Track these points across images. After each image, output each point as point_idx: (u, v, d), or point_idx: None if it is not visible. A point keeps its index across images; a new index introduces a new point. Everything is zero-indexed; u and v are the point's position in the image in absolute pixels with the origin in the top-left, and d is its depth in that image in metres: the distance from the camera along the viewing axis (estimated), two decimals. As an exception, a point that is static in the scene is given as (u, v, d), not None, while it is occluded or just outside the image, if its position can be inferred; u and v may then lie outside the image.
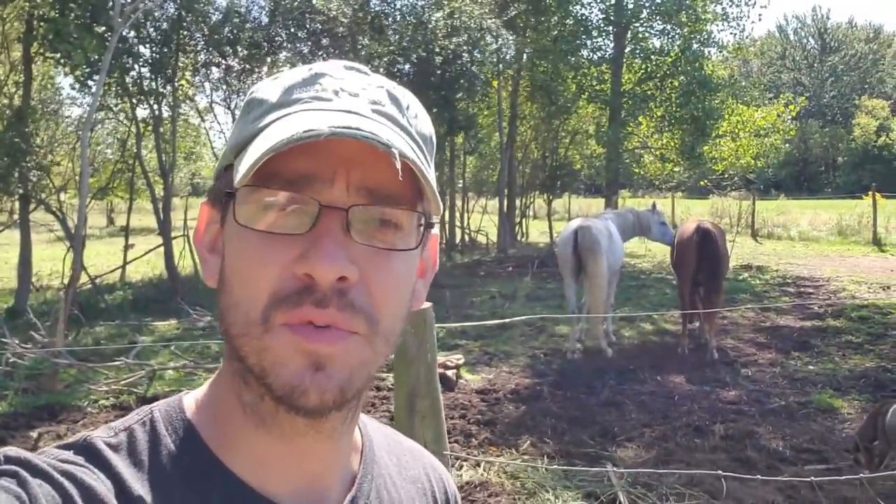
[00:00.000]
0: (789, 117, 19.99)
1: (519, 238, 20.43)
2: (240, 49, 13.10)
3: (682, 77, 16.99)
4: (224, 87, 14.35)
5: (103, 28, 9.96)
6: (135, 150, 12.97)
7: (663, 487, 4.32)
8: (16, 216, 11.86)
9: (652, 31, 17.87)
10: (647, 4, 17.34)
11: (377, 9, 14.38)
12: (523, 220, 21.38)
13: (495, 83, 17.89)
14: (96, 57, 10.06)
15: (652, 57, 17.52)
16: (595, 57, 18.25)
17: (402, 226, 0.65)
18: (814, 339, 8.26)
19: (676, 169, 19.44)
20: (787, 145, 22.47)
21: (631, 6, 17.36)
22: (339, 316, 0.61)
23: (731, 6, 18.03)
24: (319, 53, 13.86)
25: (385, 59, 13.85)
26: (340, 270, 0.60)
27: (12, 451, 0.59)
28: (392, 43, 13.94)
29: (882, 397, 5.83)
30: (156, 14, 11.58)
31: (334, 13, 13.32)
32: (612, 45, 17.89)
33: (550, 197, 19.88)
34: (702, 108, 16.25)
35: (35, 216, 11.48)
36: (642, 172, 20.72)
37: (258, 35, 13.38)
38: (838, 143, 57.89)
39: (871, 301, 10.37)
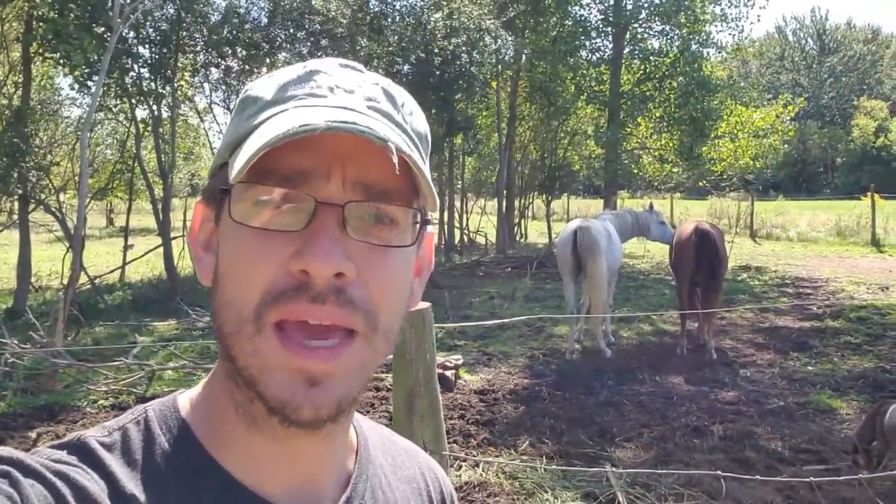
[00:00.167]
0: (788, 118, 20.01)
1: (518, 239, 20.45)
2: (239, 50, 13.10)
3: (681, 78, 17.00)
4: (223, 87, 14.36)
5: (102, 28, 9.96)
6: (134, 151, 12.98)
7: (662, 488, 4.33)
8: (15, 216, 11.85)
9: (651, 32, 17.88)
10: (645, 5, 17.33)
11: (376, 9, 14.39)
12: (522, 221, 21.40)
13: (494, 84, 17.89)
14: (96, 57, 10.06)
15: (651, 58, 17.52)
16: (594, 58, 18.26)
17: (399, 222, 0.64)
18: (812, 340, 8.27)
19: (675, 170, 19.46)
20: (785, 146, 22.46)
21: (630, 7, 17.36)
22: (339, 312, 0.60)
23: (729, 7, 18.07)
24: (319, 54, 13.86)
25: (384, 60, 13.87)
26: (337, 267, 0.59)
27: (4, 450, 0.58)
28: (391, 44, 13.96)
29: (880, 398, 5.83)
30: (155, 14, 11.58)
31: (333, 14, 13.34)
32: (610, 45, 17.90)
33: (549, 198, 19.89)
34: (700, 108, 16.26)
35: (34, 216, 11.48)
36: (641, 173, 20.73)
37: (257, 36, 13.38)
38: (837, 143, 57.98)
39: (869, 302, 10.38)
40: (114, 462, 0.63)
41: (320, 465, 0.70)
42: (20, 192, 10.38)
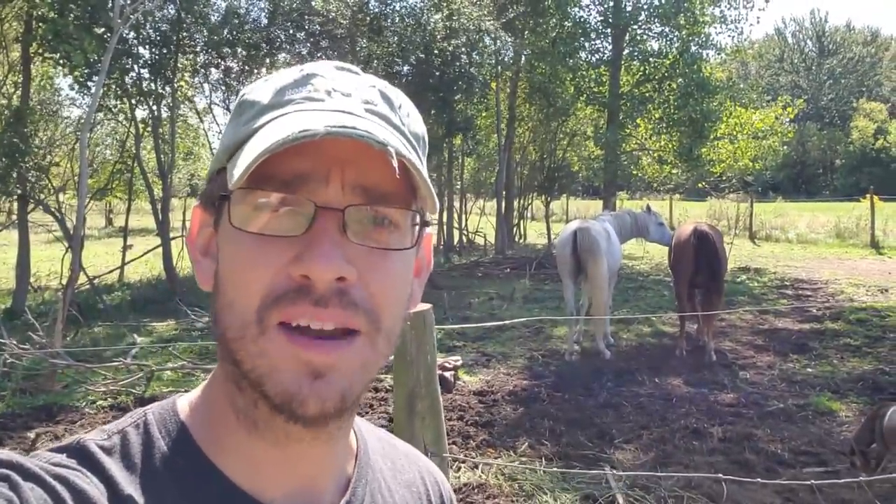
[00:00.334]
0: (787, 120, 20.04)
1: (517, 239, 20.45)
2: (239, 50, 13.10)
3: (681, 79, 17.01)
4: (223, 88, 14.35)
5: (103, 29, 9.95)
6: (134, 151, 12.97)
7: (662, 490, 4.33)
8: (14, 217, 11.84)
9: (650, 34, 17.90)
10: (645, 7, 17.36)
11: (376, 10, 14.39)
12: (521, 222, 21.40)
13: (494, 85, 17.91)
14: (95, 58, 10.06)
15: (650, 59, 17.53)
16: (593, 59, 18.28)
17: (399, 225, 0.65)
18: (812, 342, 8.26)
19: (674, 171, 19.44)
20: (785, 148, 22.47)
21: (629, 9, 17.38)
22: (343, 314, 0.61)
23: (729, 9, 18.10)
24: (318, 55, 13.88)
25: (384, 61, 13.88)
26: (338, 271, 0.60)
27: (4, 454, 0.58)
28: (391, 44, 13.97)
29: (880, 400, 5.84)
30: (155, 15, 11.58)
31: (333, 15, 13.35)
32: (610, 47, 17.91)
33: (548, 198, 19.89)
34: (700, 110, 16.27)
35: (33, 217, 11.47)
36: (640, 174, 20.72)
37: (257, 36, 13.39)
38: (836, 145, 58.02)
39: (869, 304, 10.38)
40: (113, 466, 0.63)
41: (321, 469, 0.71)
42: (19, 192, 10.37)
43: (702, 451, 5.10)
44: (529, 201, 22.58)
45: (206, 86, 14.66)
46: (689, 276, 7.77)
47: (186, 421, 0.68)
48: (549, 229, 18.95)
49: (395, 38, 13.97)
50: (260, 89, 0.68)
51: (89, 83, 10.96)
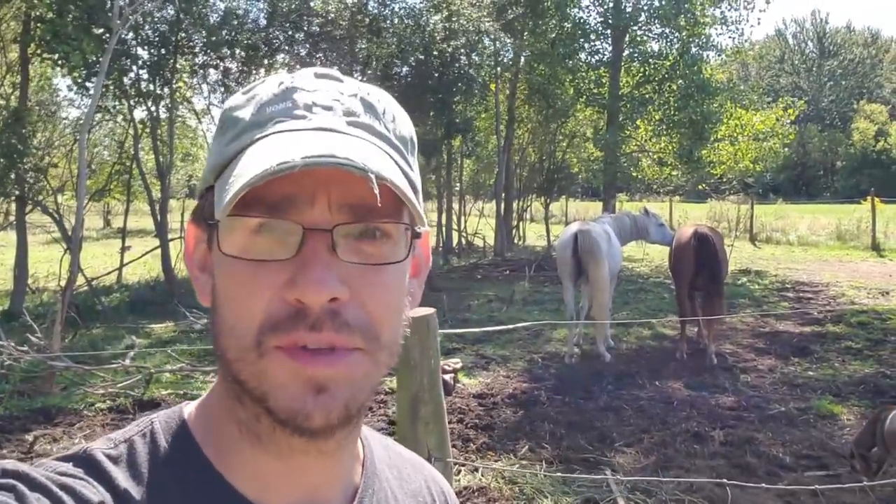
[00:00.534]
0: (788, 121, 19.99)
1: (516, 241, 20.44)
2: (238, 51, 13.08)
3: (681, 81, 17.00)
4: (221, 88, 14.31)
5: (101, 30, 9.93)
6: (132, 152, 12.96)
7: (663, 494, 4.31)
8: (12, 218, 11.83)
9: (650, 35, 17.91)
10: (645, 8, 17.36)
11: (375, 11, 14.37)
12: (520, 224, 21.39)
13: (493, 86, 17.89)
14: (94, 58, 10.04)
15: (650, 60, 17.53)
16: (593, 60, 18.27)
17: (391, 234, 0.64)
18: (813, 345, 8.24)
19: (674, 173, 19.42)
20: (785, 149, 22.43)
21: (629, 10, 17.38)
22: (337, 337, 0.60)
23: (729, 10, 18.10)
24: (317, 56, 13.86)
25: (383, 62, 13.87)
26: (330, 293, 0.59)
27: (10, 464, 0.58)
28: (390, 45, 13.94)
29: (881, 403, 5.82)
30: (154, 16, 11.57)
31: (332, 16, 13.33)
32: (610, 48, 17.91)
33: (548, 200, 19.90)
34: (700, 111, 16.26)
35: (31, 218, 11.47)
36: (640, 176, 20.71)
37: (256, 37, 13.36)
38: (837, 147, 58.07)
39: (870, 306, 10.37)
40: (120, 475, 0.63)
41: (327, 478, 0.70)
42: (17, 193, 10.35)
43: (703, 454, 5.08)
44: (529, 203, 22.56)
45: (204, 87, 14.62)
46: (690, 279, 7.75)
47: (193, 431, 0.69)
48: (548, 231, 18.95)
49: (395, 40, 13.95)
50: (242, 105, 0.68)
51: (88, 84, 10.94)
